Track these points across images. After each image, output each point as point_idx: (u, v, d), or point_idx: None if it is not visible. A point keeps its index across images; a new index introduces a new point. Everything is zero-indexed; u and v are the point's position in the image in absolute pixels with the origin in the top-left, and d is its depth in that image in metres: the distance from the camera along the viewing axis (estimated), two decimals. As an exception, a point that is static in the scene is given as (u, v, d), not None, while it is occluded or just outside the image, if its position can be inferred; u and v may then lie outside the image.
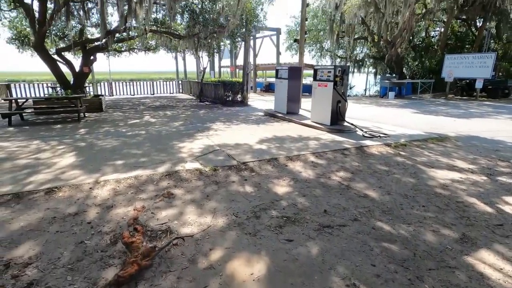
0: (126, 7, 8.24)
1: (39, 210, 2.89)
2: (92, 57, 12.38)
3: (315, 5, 22.34)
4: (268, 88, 26.25)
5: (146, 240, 2.39)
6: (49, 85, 14.70)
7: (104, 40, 10.67)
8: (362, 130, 6.55)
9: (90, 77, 18.49)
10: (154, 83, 19.81)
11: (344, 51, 26.32)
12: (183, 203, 3.09)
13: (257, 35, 22.84)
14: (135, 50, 17.24)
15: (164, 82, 20.49)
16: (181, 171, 3.96)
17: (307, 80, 26.20)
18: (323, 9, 20.65)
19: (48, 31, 11.66)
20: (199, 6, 10.80)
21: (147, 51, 17.67)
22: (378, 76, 23.83)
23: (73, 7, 9.26)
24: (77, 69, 11.31)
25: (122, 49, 16.53)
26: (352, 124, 6.87)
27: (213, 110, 10.85)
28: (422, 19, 15.64)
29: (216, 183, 3.64)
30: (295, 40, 11.01)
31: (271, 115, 9.09)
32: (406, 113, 10.43)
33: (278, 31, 22.09)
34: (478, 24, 22.18)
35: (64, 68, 11.45)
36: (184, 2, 9.91)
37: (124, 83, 19.54)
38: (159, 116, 9.11)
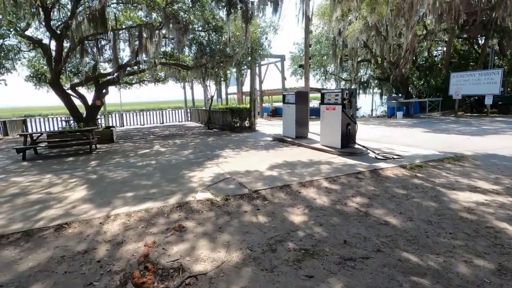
0: (137, 43, 8.66)
1: (48, 248, 2.81)
2: (104, 91, 12.86)
3: (317, 31, 23.13)
4: (275, 113, 26.52)
5: (157, 280, 2.26)
6: (63, 118, 15.18)
7: (116, 74, 11.13)
8: (375, 152, 6.41)
9: (102, 109, 19.20)
10: (163, 112, 20.31)
11: (348, 73, 26.77)
12: (195, 236, 2.97)
13: (262, 62, 23.51)
14: (145, 82, 17.92)
15: (173, 111, 21.00)
16: (192, 202, 3.87)
17: (313, 103, 26.48)
18: (326, 35, 21.30)
19: (63, 68, 12.28)
20: (206, 39, 11.27)
21: (156, 83, 18.34)
22: (384, 97, 23.90)
23: (87, 44, 9.78)
24: (89, 102, 11.71)
25: (133, 82, 17.18)
26: (363, 147, 6.75)
27: (221, 137, 10.91)
28: (424, 40, 15.93)
29: (228, 213, 3.53)
30: (300, 66, 11.24)
31: (280, 140, 9.06)
32: (417, 133, 10.25)
33: (282, 57, 22.73)
34: (480, 42, 22.44)
35: (77, 102, 11.89)
36: (192, 36, 10.36)
37: (134, 113, 20.11)
38: (169, 145, 9.18)
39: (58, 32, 9.47)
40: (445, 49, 24.73)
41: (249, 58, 10.86)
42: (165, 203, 3.85)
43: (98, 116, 16.49)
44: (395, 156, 6.07)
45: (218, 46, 11.03)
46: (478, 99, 16.26)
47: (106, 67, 14.47)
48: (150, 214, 3.52)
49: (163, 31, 9.83)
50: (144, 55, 9.64)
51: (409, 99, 18.32)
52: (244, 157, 6.83)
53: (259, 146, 8.29)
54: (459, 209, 3.45)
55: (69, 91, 11.60)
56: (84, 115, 11.43)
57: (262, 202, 3.86)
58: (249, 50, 10.46)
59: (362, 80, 24.36)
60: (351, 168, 5.36)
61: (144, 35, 8.46)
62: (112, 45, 8.61)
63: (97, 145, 9.31)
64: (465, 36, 21.18)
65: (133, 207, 3.75)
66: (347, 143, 6.85)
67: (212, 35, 11.48)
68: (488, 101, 14.54)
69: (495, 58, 20.80)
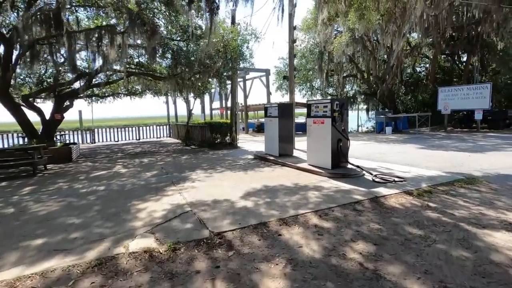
0: (95, 47, 7.52)
1: None
2: (67, 103, 11.53)
3: (302, 46, 22.79)
4: (260, 128, 25.61)
5: None
6: (20, 135, 13.58)
7: (79, 85, 9.88)
8: (371, 174, 5.40)
9: (78, 124, 17.58)
10: (141, 128, 18.94)
11: (334, 89, 26.44)
12: (100, 331, 1.75)
13: (247, 77, 22.80)
14: (120, 95, 16.64)
15: (153, 127, 19.68)
16: (121, 255, 2.65)
17: (299, 119, 25.88)
18: (311, 49, 20.92)
19: (20, 77, 10.94)
20: (184, 49, 10.25)
21: (132, 96, 17.09)
22: (371, 112, 23.54)
23: (41, 50, 8.53)
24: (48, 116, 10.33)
25: (106, 95, 15.86)
26: (357, 167, 5.74)
27: (197, 155, 9.71)
28: (409, 55, 15.66)
29: (171, 276, 2.33)
30: (285, 77, 10.38)
31: (261, 159, 7.96)
32: (411, 149, 9.42)
33: (267, 72, 22.12)
34: (462, 58, 22.69)
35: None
36: (165, 43, 9.33)
37: (110, 129, 18.62)
38: (133, 165, 7.89)
39: (8, 35, 8.23)
40: (428, 65, 24.97)
41: (229, 67, 9.86)
42: (80, 258, 2.61)
43: (63, 132, 15.01)
44: (396, 179, 5.07)
45: (195, 55, 10.04)
46: (467, 114, 15.89)
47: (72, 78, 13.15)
48: (46, 282, 2.27)
49: (130, 40, 8.74)
50: (107, 63, 8.48)
51: (397, 114, 17.84)
52: (216, 180, 5.66)
53: (237, 166, 7.14)
54: (506, 264, 2.39)
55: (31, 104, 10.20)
56: (40, 131, 10.01)
57: (225, 254, 2.68)
58: (229, 59, 9.50)
59: (348, 95, 23.97)
60: (345, 195, 4.29)
61: (105, 39, 7.36)
62: (67, 50, 7.44)
63: (47, 165, 7.91)
64: (447, 52, 21.31)
65: (28, 267, 2.48)
66: (338, 162, 5.83)
67: (191, 44, 10.53)
68: (478, 116, 14.12)
69: (476, 74, 20.93)
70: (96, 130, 17.32)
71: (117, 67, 8.91)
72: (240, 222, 3.35)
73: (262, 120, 31.38)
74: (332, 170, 5.62)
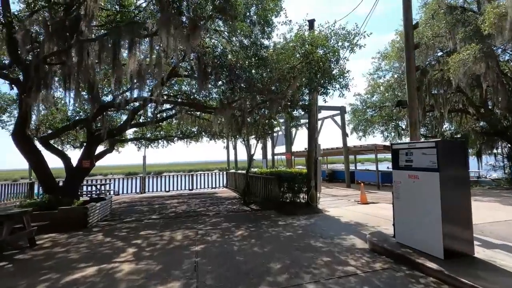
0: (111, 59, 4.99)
1: None
2: (106, 147, 9.48)
3: (385, 78, 18.85)
4: (333, 177, 21.29)
5: None
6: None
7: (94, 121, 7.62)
8: None
9: (140, 169, 16.05)
10: (194, 176, 16.48)
11: (427, 128, 20.90)
12: None
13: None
14: (174, 138, 14.66)
15: (214, 173, 17.10)
16: None
17: (384, 166, 20.71)
18: (400, 79, 16.76)
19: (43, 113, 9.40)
20: (245, 67, 7.41)
21: (187, 140, 14.98)
22: (498, 157, 17.21)
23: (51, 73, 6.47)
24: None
25: (158, 138, 14.00)
26: None
27: (260, 227, 6.02)
28: None
29: None
30: (400, 103, 6.42)
31: (395, 257, 3.80)
32: None
33: (342, 109, 18.46)
34: None
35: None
36: (219, 63, 6.54)
37: (164, 177, 16.65)
38: (152, 251, 4.56)
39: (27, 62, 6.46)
40: None
41: (315, 85, 6.32)
42: None
43: (103, 181, 13.19)
44: None
45: (259, 77, 6.97)
46: None
47: (117, 117, 11.42)
48: None
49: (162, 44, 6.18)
50: (135, 91, 5.90)
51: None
52: None
53: (352, 283, 3.15)
54: None
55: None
56: (63, 182, 7.81)
57: None
58: (315, 73, 6.04)
59: (454, 136, 18.23)
60: None
61: (124, 46, 4.81)
62: (77, 67, 5.02)
63: (35, 237, 5.16)
64: None
65: None
66: None
67: (253, 71, 7.67)
68: None
69: None
70: (146, 178, 15.40)
71: (153, 97, 6.29)
72: None
73: (334, 166, 26.83)
74: None
